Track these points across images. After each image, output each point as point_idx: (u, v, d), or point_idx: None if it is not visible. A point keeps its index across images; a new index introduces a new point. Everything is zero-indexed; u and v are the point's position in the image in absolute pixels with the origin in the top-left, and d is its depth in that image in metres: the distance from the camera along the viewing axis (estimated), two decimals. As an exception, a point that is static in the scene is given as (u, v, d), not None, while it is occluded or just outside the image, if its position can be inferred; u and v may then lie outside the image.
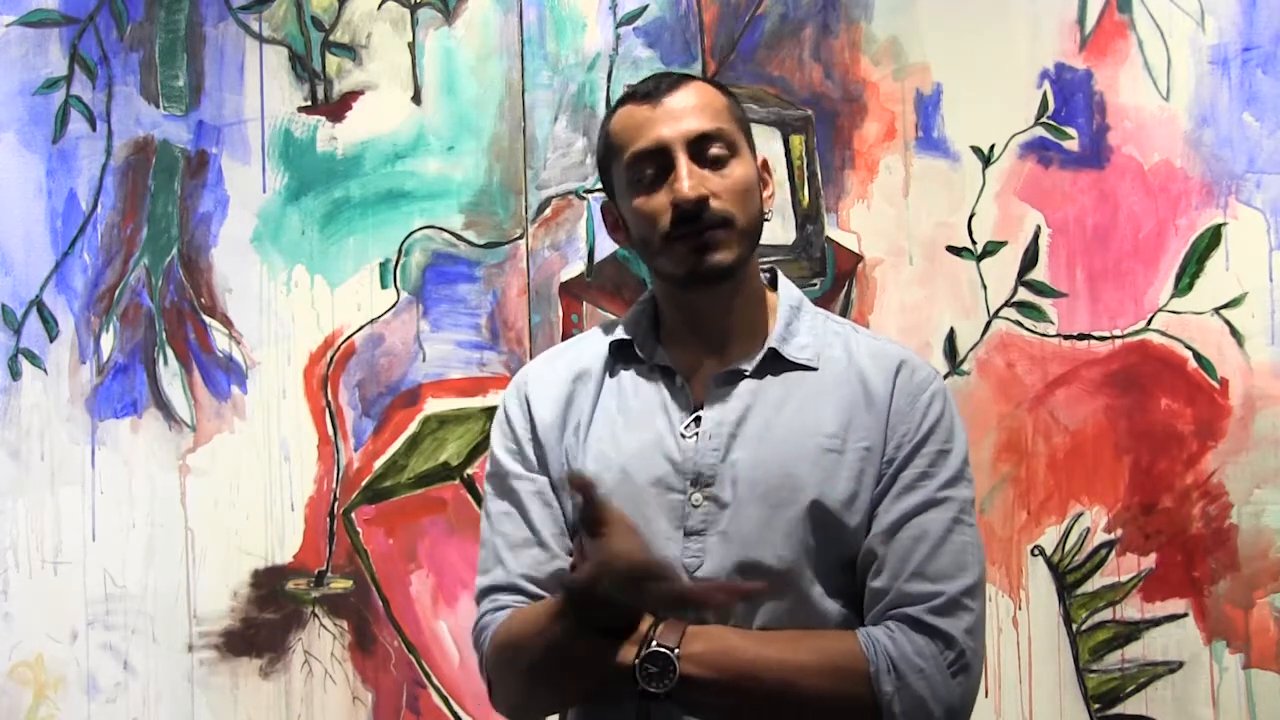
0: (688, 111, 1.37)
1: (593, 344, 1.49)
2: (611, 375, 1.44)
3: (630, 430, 1.40)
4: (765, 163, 1.46)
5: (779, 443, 1.35)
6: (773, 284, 1.49)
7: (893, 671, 1.27)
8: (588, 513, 1.27)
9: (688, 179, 1.34)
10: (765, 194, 1.44)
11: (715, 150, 1.37)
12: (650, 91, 1.40)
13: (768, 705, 1.29)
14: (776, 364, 1.40)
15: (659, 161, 1.36)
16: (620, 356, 1.45)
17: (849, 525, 1.34)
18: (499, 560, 1.42)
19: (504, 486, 1.45)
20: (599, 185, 1.68)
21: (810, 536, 1.33)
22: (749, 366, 1.40)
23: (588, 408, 1.43)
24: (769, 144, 2.18)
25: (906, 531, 1.33)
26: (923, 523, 1.33)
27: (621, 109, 1.43)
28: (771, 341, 1.40)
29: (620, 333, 1.46)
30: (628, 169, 1.39)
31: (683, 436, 1.37)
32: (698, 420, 1.38)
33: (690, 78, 1.44)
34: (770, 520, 1.33)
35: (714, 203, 1.35)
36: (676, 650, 1.27)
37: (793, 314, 1.43)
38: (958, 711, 1.30)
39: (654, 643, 1.28)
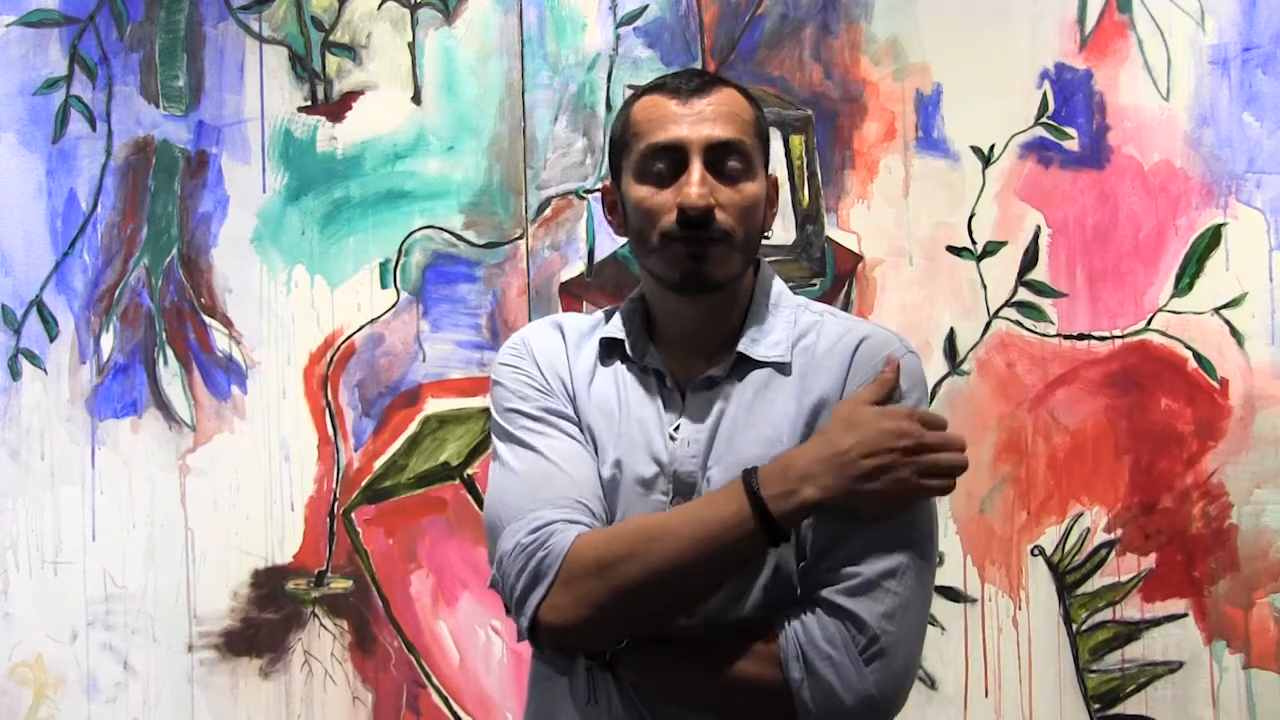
0: (713, 117, 1.36)
1: (587, 328, 1.47)
2: (604, 364, 1.43)
3: (625, 422, 1.39)
4: (775, 181, 1.45)
5: (747, 447, 1.33)
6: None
7: (801, 658, 1.24)
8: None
9: (698, 185, 1.33)
10: (769, 212, 1.43)
11: (731, 162, 1.35)
12: (681, 87, 1.38)
13: (692, 683, 1.29)
14: (747, 366, 1.38)
15: (673, 159, 1.35)
16: (613, 352, 1.44)
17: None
18: (550, 486, 1.33)
19: (545, 418, 1.39)
20: (599, 184, 1.67)
21: None
22: (721, 372, 1.38)
23: (584, 386, 1.42)
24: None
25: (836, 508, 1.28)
26: None
27: (649, 96, 1.40)
28: (741, 346, 1.39)
29: (615, 329, 1.44)
30: (641, 158, 1.37)
31: (671, 438, 1.36)
32: (681, 427, 1.37)
33: (725, 82, 1.42)
34: None
35: (719, 215, 1.33)
36: None
37: (768, 312, 1.42)
38: (875, 701, 1.24)
39: None
